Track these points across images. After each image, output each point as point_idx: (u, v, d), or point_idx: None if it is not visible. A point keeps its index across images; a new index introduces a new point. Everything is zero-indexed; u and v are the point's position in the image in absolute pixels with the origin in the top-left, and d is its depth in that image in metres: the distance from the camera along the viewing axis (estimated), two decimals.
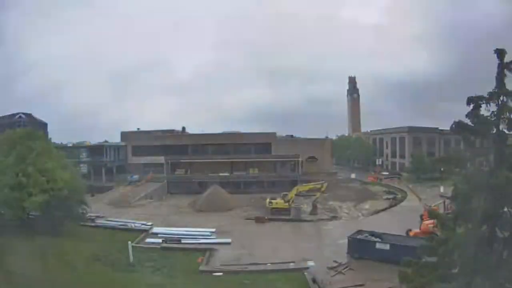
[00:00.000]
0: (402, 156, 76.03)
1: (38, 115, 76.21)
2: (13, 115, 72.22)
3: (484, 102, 11.63)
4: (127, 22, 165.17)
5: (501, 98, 11.58)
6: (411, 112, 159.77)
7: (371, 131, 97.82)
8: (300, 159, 57.59)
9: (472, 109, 11.77)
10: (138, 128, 74.06)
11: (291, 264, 23.79)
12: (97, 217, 33.99)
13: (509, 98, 11.61)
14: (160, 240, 28.21)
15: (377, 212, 41.76)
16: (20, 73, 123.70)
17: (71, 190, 27.21)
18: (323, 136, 76.27)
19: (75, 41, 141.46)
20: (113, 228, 31.79)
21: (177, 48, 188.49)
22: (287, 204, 39.64)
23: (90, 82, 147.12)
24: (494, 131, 11.78)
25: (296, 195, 42.52)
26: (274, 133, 65.40)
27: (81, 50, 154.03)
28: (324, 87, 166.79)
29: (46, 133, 53.06)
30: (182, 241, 28.43)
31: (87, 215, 30.63)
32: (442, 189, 44.86)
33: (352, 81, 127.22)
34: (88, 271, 21.09)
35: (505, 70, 11.53)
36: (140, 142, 65.82)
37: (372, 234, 25.54)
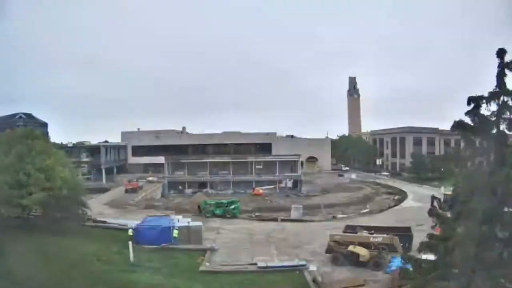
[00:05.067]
0: (403, 156, 76.12)
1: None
2: (13, 115, 72.36)
3: (484, 101, 11.60)
4: None
5: (502, 97, 11.56)
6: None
7: (371, 131, 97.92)
8: (300, 159, 57.64)
9: (472, 109, 11.74)
10: (138, 128, 74.17)
11: (292, 264, 23.72)
12: (101, 221, 33.70)
13: (510, 97, 11.59)
14: None
15: None
16: None
17: (70, 189, 27.24)
18: (323, 136, 76.50)
19: None
20: (113, 228, 31.76)
21: None
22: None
23: None
24: (494, 131, 11.75)
25: None
26: (275, 133, 65.61)
27: None
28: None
29: (46, 133, 53.13)
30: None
31: (87, 216, 30.56)
32: (442, 189, 44.91)
33: (352, 81, 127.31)
34: (88, 270, 21.05)
35: (505, 69, 11.50)
36: (140, 142, 65.92)
37: (361, 227, 27.86)
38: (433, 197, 38.26)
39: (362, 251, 23.16)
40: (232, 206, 38.83)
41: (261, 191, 51.71)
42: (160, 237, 27.53)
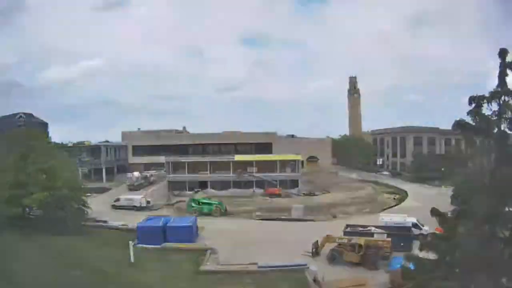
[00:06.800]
0: (403, 156, 76.10)
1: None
2: (14, 115, 72.29)
3: (485, 101, 11.61)
4: None
5: (503, 97, 11.56)
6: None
7: (371, 131, 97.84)
8: (300, 159, 57.56)
9: (473, 108, 11.74)
10: (139, 128, 74.21)
11: (292, 263, 23.72)
12: (101, 221, 33.68)
13: (511, 97, 11.59)
14: None
15: None
16: None
17: (71, 189, 27.23)
18: (323, 136, 76.45)
19: None
20: (114, 227, 31.79)
21: None
22: None
23: None
24: (495, 131, 11.75)
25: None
26: (275, 133, 65.40)
27: None
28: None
29: (46, 132, 53.14)
30: None
31: (88, 216, 30.58)
32: (443, 188, 44.91)
33: (352, 81, 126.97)
34: (89, 270, 21.07)
35: (507, 69, 11.51)
36: (141, 142, 65.85)
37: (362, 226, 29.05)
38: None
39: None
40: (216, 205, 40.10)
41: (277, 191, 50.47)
42: (162, 237, 27.62)
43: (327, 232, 26.84)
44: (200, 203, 40.54)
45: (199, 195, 47.66)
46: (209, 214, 38.66)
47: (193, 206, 39.84)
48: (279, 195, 48.91)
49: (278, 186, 52.29)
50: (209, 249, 26.77)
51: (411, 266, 13.40)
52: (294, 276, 22.10)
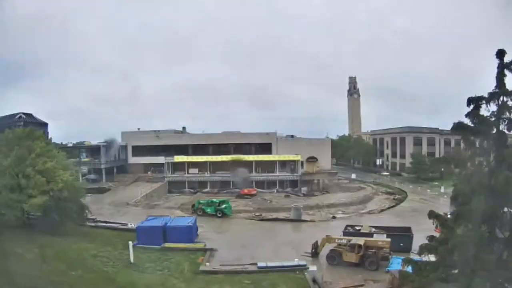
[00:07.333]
0: (403, 156, 76.07)
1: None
2: (13, 115, 71.98)
3: (484, 102, 11.64)
4: None
5: (501, 98, 11.59)
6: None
7: (371, 131, 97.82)
8: (300, 160, 57.66)
9: (472, 109, 11.76)
10: (139, 128, 74.01)
11: (291, 264, 23.74)
12: (101, 221, 33.63)
13: (509, 98, 11.62)
14: None
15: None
16: None
17: (71, 191, 27.09)
18: (323, 136, 76.28)
19: None
20: (114, 228, 31.78)
21: None
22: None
23: None
24: (494, 131, 11.77)
25: None
26: (274, 133, 65.34)
27: None
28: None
29: (46, 133, 53.04)
30: None
31: (87, 216, 30.48)
32: (442, 189, 44.96)
33: (352, 81, 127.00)
34: (88, 271, 21.08)
35: (505, 70, 11.54)
36: (140, 142, 65.78)
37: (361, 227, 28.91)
38: None
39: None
40: (223, 206, 39.25)
41: (253, 191, 50.93)
42: (162, 237, 27.64)
43: (327, 233, 26.88)
44: (203, 204, 40.24)
45: (198, 196, 47.75)
46: (213, 214, 38.49)
47: (196, 207, 39.77)
48: (254, 195, 49.36)
49: (254, 186, 52.57)
50: (209, 249, 26.80)
51: (409, 268, 13.43)
52: (293, 277, 22.12)
